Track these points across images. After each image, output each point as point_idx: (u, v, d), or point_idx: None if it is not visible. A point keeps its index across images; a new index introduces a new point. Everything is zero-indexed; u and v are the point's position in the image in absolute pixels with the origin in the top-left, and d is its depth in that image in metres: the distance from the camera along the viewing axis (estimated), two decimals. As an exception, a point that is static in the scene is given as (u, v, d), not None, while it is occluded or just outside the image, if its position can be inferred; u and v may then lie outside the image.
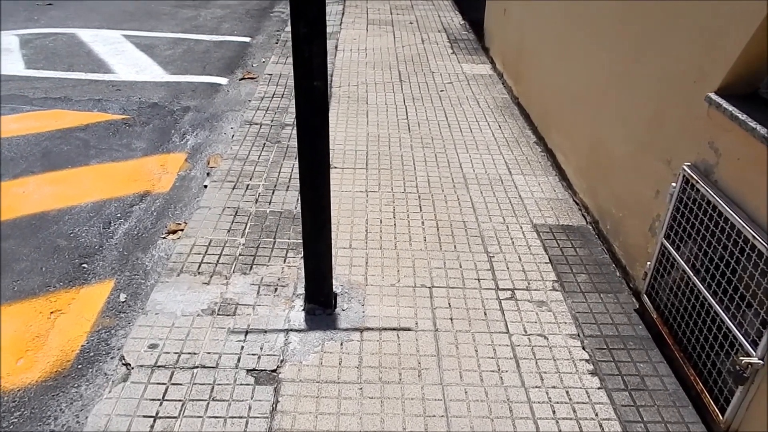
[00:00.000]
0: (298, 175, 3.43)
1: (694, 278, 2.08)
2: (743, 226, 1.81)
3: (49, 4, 7.40)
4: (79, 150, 3.89)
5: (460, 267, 2.71)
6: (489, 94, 4.69)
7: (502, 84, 4.86)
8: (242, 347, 2.24)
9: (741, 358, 1.76)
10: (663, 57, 2.36)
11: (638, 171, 2.54)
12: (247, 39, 6.45)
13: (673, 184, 2.21)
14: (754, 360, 1.73)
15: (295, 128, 3.88)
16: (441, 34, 6.25)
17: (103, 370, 2.29)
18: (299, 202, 3.16)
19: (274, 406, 2.00)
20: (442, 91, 4.73)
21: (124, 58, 5.69)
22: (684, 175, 2.15)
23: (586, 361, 2.21)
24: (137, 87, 5.01)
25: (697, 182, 2.07)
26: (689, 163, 2.16)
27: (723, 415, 1.87)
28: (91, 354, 2.37)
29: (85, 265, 2.85)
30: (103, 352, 2.38)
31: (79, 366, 2.31)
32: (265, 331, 2.32)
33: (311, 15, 1.75)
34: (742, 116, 1.87)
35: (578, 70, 3.22)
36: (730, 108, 1.94)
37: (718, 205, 1.96)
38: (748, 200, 1.86)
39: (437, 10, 7.23)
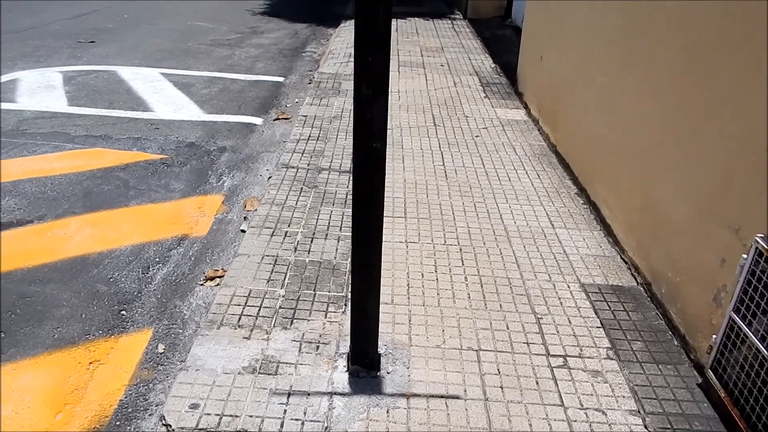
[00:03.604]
0: (337, 222, 3.38)
1: None
2: (828, 308, 1.66)
3: (92, 42, 7.54)
4: (119, 190, 3.85)
5: (508, 329, 2.56)
6: (525, 141, 4.59)
7: (538, 130, 4.77)
8: (285, 411, 2.12)
9: (832, 455, 1.60)
10: (735, 118, 2.23)
11: (700, 236, 2.40)
12: (281, 79, 6.48)
13: (744, 256, 2.06)
14: None
15: (340, 180, 3.82)
16: (473, 78, 6.21)
17: (141, 427, 2.18)
18: (338, 251, 3.07)
19: (320, 481, 1.87)
20: (477, 136, 4.65)
21: (163, 96, 5.72)
22: (757, 248, 2.01)
23: (650, 441, 2.05)
24: (175, 126, 5.01)
25: (771, 255, 1.93)
26: (762, 235, 2.01)
27: None
28: (129, 410, 2.26)
29: (124, 313, 2.77)
30: (141, 408, 2.27)
31: (117, 423, 2.20)
32: (309, 394, 2.19)
33: (376, 77, 1.67)
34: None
35: (629, 121, 3.10)
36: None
37: (795, 281, 1.82)
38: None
39: (468, 52, 7.21)
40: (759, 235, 2.02)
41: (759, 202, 2.07)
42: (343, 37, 7.92)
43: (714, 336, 2.19)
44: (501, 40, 7.87)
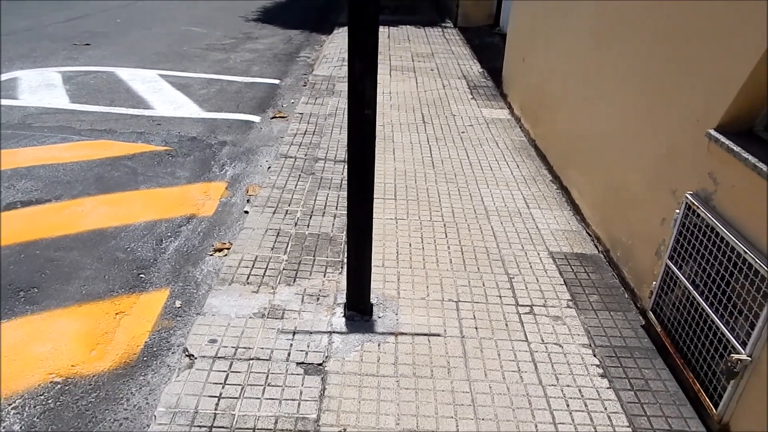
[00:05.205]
0: (333, 203, 3.91)
1: (694, 293, 2.45)
2: (736, 243, 2.19)
3: (87, 44, 8.09)
4: (129, 176, 4.36)
5: (484, 285, 3.09)
6: (507, 137, 5.16)
7: (520, 128, 5.35)
8: (291, 344, 2.62)
9: (732, 355, 2.13)
10: (674, 103, 2.80)
11: (648, 202, 2.96)
12: (276, 81, 7.04)
13: (677, 211, 2.61)
14: (743, 356, 2.09)
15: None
16: (461, 81, 6.81)
17: (166, 362, 2.67)
18: (334, 226, 3.59)
19: (322, 392, 2.37)
20: (463, 132, 5.22)
21: (162, 95, 6.26)
22: (686, 203, 2.56)
23: (597, 366, 2.57)
24: (176, 122, 5.54)
25: (698, 208, 2.47)
26: (691, 192, 2.56)
27: (716, 409, 2.22)
28: (155, 349, 2.75)
29: (142, 275, 3.26)
30: (165, 348, 2.76)
31: (145, 358, 2.69)
32: (311, 332, 2.70)
33: (367, 52, 2.21)
34: (737, 149, 2.27)
35: (597, 116, 3.68)
36: (727, 142, 2.34)
37: (715, 227, 2.35)
38: (740, 221, 2.25)
39: (457, 58, 7.84)
40: (689, 192, 2.57)
41: (691, 166, 2.62)
42: (337, 42, 8.53)
43: (654, 282, 2.73)
44: (489, 47, 8.50)
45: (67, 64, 7.17)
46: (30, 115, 5.46)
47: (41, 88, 6.26)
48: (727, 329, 2.21)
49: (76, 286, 3.10)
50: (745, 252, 2.13)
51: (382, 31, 9.44)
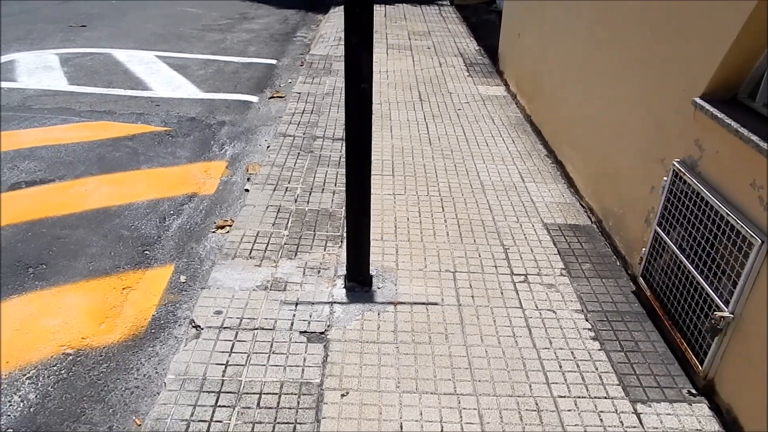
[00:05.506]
0: (332, 180, 3.99)
1: (681, 257, 2.55)
2: (720, 207, 2.29)
3: (83, 26, 8.10)
4: (130, 156, 4.44)
5: (479, 256, 3.19)
6: (503, 113, 5.23)
7: (516, 104, 5.42)
8: (294, 315, 2.73)
9: (716, 313, 2.23)
10: (662, 73, 2.87)
11: (638, 172, 3.04)
12: (273, 61, 7.08)
13: (665, 178, 2.70)
14: (726, 314, 2.20)
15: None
16: (457, 59, 6.85)
17: (174, 334, 2.78)
18: (334, 202, 3.68)
19: (324, 358, 2.48)
20: (459, 109, 5.29)
21: (160, 76, 6.31)
22: (674, 170, 2.64)
23: (589, 330, 2.68)
24: (175, 103, 5.60)
25: (685, 174, 2.55)
26: (678, 160, 2.65)
27: (702, 366, 2.33)
28: (162, 322, 2.86)
29: (147, 252, 3.36)
30: (172, 321, 2.87)
31: (153, 331, 2.79)
32: (313, 303, 2.81)
33: (362, 28, 2.28)
34: (721, 115, 2.35)
35: (590, 91, 3.75)
36: (712, 109, 2.41)
37: (701, 192, 2.43)
38: (724, 185, 2.34)
39: (453, 36, 7.86)
40: (676, 160, 2.65)
41: (678, 134, 2.70)
42: (333, 22, 8.54)
43: (643, 249, 2.83)
44: (486, 25, 8.52)
45: (64, 45, 7.20)
46: (29, 97, 5.51)
47: (39, 70, 6.30)
48: (711, 289, 2.32)
49: (83, 263, 3.20)
50: (728, 214, 2.22)
51: (378, 9, 9.44)
